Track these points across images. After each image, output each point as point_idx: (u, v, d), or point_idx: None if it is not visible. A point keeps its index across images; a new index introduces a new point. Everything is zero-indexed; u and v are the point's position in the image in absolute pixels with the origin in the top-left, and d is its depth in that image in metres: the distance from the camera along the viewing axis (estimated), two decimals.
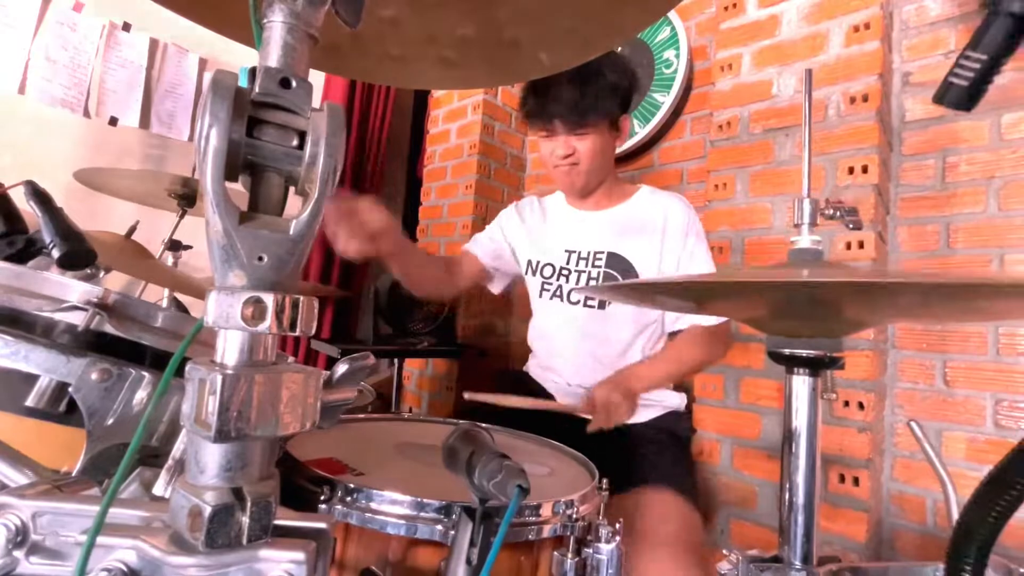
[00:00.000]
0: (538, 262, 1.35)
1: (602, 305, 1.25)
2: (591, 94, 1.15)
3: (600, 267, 1.27)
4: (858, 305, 0.49)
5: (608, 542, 0.56)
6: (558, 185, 1.33)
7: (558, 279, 1.32)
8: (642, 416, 1.24)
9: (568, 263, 1.31)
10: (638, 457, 1.11)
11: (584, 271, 1.29)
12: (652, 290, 0.61)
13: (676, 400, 1.29)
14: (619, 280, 1.21)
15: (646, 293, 0.64)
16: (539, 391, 1.32)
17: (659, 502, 1.02)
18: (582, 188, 1.28)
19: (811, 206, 0.59)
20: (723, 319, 1.16)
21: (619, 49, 1.80)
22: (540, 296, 1.35)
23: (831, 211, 0.61)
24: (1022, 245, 1.14)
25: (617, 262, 1.26)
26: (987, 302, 0.44)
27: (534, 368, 1.38)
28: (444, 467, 0.51)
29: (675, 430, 1.25)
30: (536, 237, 1.38)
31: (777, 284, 0.42)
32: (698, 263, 1.21)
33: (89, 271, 0.79)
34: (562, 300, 1.31)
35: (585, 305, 1.27)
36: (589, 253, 1.29)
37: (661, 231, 1.24)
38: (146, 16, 1.92)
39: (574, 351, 1.28)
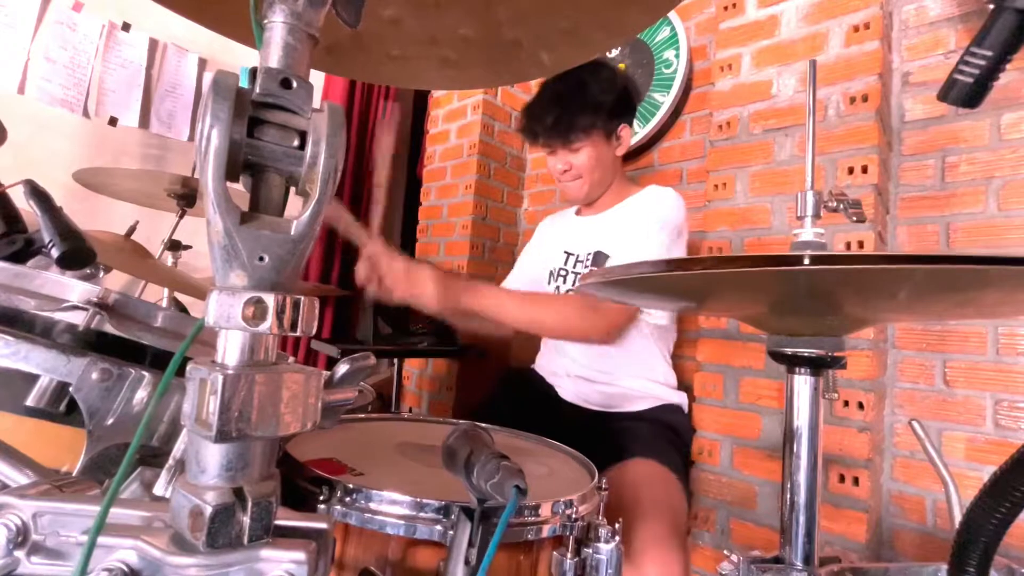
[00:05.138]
0: (549, 271, 1.42)
1: None
2: (573, 110, 1.20)
3: (587, 266, 1.30)
4: (859, 297, 0.49)
5: (607, 542, 0.56)
6: (567, 198, 1.40)
7: (556, 280, 1.38)
8: (635, 406, 1.26)
9: (566, 264, 1.37)
10: (627, 438, 1.14)
11: (576, 272, 1.34)
12: (627, 283, 0.55)
13: (676, 398, 1.30)
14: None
15: (629, 289, 0.62)
16: (545, 387, 1.35)
17: (638, 470, 1.04)
18: (586, 198, 1.34)
19: (814, 198, 0.59)
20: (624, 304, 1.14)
21: (616, 51, 1.81)
22: None
23: (834, 203, 0.61)
24: (1022, 245, 1.14)
25: (599, 261, 1.29)
26: (986, 291, 0.44)
27: (541, 364, 1.42)
28: (443, 467, 0.51)
29: (669, 421, 1.26)
30: (548, 246, 1.46)
31: (742, 259, 0.41)
32: (648, 249, 1.18)
33: (89, 271, 0.78)
34: None
35: None
36: (582, 254, 1.34)
37: (636, 221, 1.26)
38: (146, 16, 1.92)
39: (569, 347, 1.32)
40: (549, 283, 1.40)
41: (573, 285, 1.33)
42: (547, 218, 1.58)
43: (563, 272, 1.36)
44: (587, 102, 1.21)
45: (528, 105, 1.28)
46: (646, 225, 1.22)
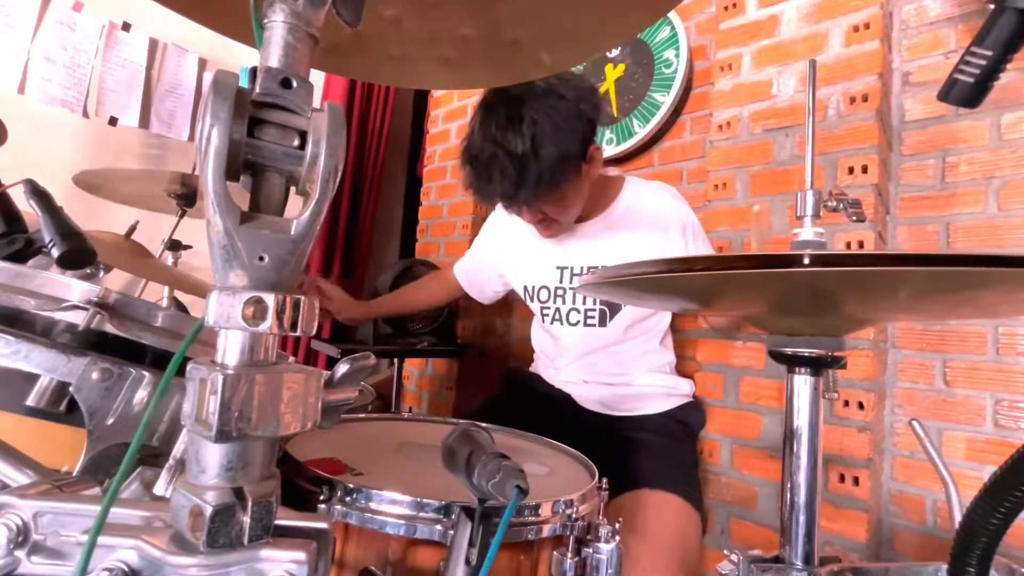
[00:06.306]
0: (533, 287, 1.30)
1: (603, 322, 1.21)
2: (532, 179, 0.98)
3: None
4: (859, 297, 0.49)
5: (608, 542, 0.56)
6: (544, 236, 1.23)
7: (555, 301, 1.27)
8: (652, 407, 1.23)
9: (562, 281, 1.26)
10: (640, 455, 1.10)
11: (574, 288, 1.24)
12: (638, 284, 0.56)
13: (686, 387, 1.28)
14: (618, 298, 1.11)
15: (629, 290, 0.61)
16: (551, 390, 1.30)
17: (655, 505, 1.01)
18: (565, 230, 1.20)
19: (814, 198, 0.59)
20: None
21: (616, 51, 1.80)
22: (542, 321, 1.31)
23: (834, 203, 0.61)
24: (1022, 245, 1.14)
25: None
26: (986, 291, 0.44)
27: (543, 368, 1.36)
28: (443, 467, 0.51)
29: (687, 421, 1.24)
30: (526, 256, 1.31)
31: (776, 259, 0.39)
32: None
33: (89, 270, 0.79)
34: (563, 323, 1.26)
35: (586, 325, 1.23)
36: (582, 269, 1.22)
37: (661, 231, 1.18)
38: (146, 16, 1.92)
39: (578, 363, 1.26)
40: (532, 300, 1.31)
41: (572, 304, 1.25)
42: (502, 212, 1.22)
43: (560, 291, 1.26)
44: (550, 161, 0.98)
45: (474, 159, 1.03)
46: (681, 237, 1.17)
